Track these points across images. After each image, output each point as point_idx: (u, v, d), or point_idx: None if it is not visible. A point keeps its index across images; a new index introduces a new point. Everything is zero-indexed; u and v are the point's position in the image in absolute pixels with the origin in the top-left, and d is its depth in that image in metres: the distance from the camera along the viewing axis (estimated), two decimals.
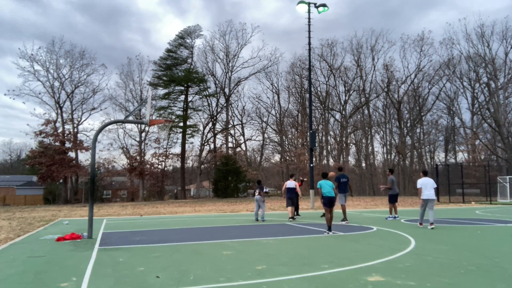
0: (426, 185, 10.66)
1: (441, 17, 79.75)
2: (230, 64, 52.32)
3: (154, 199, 49.42)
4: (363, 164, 55.31)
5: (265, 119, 56.33)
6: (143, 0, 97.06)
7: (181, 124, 48.57)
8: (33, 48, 71.67)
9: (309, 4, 24.89)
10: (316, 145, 37.98)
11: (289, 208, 13.47)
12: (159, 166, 51.71)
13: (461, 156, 50.21)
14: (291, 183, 13.66)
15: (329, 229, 9.59)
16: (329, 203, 9.65)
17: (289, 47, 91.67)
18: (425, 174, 11.06)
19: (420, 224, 10.89)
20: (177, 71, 50.26)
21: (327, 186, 9.79)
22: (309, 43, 25.54)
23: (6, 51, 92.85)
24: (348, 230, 10.30)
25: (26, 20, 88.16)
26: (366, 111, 53.74)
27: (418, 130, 53.00)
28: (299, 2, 24.74)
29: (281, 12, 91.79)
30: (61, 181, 43.51)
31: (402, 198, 34.86)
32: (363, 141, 55.02)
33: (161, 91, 49.85)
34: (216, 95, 51.57)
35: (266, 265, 5.63)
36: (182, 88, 49.96)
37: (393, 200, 13.63)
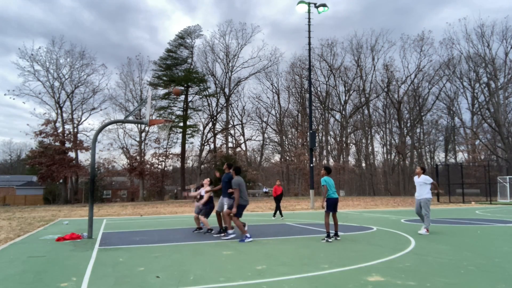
0: None
1: (454, 14, 78.31)
2: (230, 64, 52.46)
3: (154, 199, 49.44)
4: (363, 164, 55.36)
5: (265, 119, 56.45)
6: None
7: (181, 124, 48.63)
8: (33, 47, 71.70)
9: (309, 4, 24.88)
10: (316, 145, 37.96)
11: (205, 220, 9.94)
12: (159, 166, 51.80)
13: (461, 156, 50.30)
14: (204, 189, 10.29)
15: (328, 235, 8.06)
16: (333, 206, 8.16)
17: (298, 44, 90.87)
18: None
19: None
20: (177, 71, 50.35)
21: (333, 186, 8.21)
22: (309, 43, 25.54)
23: (11, 49, 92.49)
24: (348, 230, 10.29)
25: (33, 18, 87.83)
26: (366, 111, 53.80)
27: (418, 130, 53.06)
28: (299, 2, 24.71)
29: (292, 9, 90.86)
30: (61, 181, 43.53)
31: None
32: (363, 141, 55.07)
33: (161, 91, 49.98)
34: (216, 95, 51.62)
35: (266, 265, 5.63)
36: (182, 88, 49.99)
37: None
